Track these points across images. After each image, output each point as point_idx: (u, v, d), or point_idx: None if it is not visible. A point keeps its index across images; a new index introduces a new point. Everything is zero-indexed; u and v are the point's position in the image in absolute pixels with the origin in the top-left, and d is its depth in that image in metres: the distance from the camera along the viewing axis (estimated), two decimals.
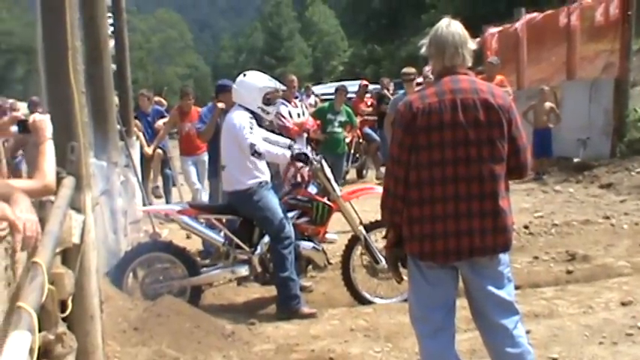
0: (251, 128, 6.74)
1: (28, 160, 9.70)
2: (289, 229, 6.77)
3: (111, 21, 9.40)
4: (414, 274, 3.90)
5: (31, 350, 2.25)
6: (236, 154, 6.81)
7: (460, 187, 3.69)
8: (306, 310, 6.72)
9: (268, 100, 6.96)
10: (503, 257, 3.82)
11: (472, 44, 3.88)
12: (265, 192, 6.82)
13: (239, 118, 6.81)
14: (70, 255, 3.87)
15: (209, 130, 8.75)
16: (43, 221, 3.15)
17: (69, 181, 3.88)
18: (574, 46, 15.48)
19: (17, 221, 2.75)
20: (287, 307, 6.72)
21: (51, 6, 4.15)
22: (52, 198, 3.58)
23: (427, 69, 13.23)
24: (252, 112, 6.87)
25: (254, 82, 6.98)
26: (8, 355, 2.11)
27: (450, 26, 3.85)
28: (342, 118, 12.45)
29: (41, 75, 4.27)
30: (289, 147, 7.08)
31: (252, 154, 6.68)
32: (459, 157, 3.68)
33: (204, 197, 10.36)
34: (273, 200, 6.82)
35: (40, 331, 2.57)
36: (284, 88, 7.94)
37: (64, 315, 3.57)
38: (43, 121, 3.75)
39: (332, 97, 13.14)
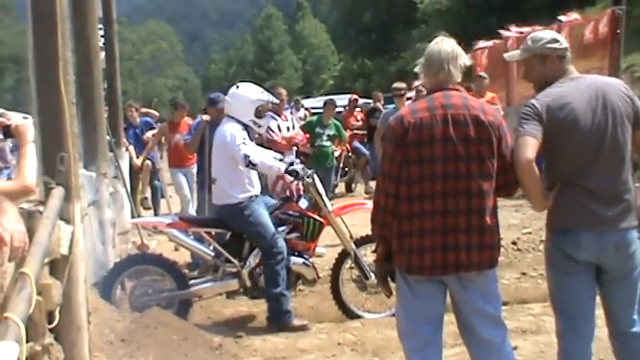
0: (244, 139, 6.70)
1: None
2: (281, 245, 6.71)
3: (102, 32, 9.41)
4: (403, 288, 3.90)
5: None
6: (227, 167, 6.77)
7: (448, 202, 3.70)
8: (297, 322, 6.69)
9: (260, 112, 6.93)
10: (491, 273, 3.83)
11: (466, 60, 3.91)
12: (256, 206, 6.77)
13: (231, 129, 6.74)
14: (58, 266, 3.85)
15: (194, 141, 8.77)
16: (31, 231, 3.13)
17: (58, 192, 3.87)
18: None
19: (4, 232, 2.73)
20: (279, 323, 6.68)
21: (42, 15, 4.14)
22: (41, 208, 3.57)
23: (416, 83, 13.22)
24: (243, 125, 6.83)
25: (247, 95, 6.91)
26: None
27: (440, 43, 3.89)
28: (331, 131, 12.40)
29: (32, 85, 4.24)
30: (281, 161, 7.04)
31: (247, 165, 6.62)
32: (448, 173, 3.69)
33: (192, 209, 10.31)
34: (264, 215, 6.77)
35: (27, 342, 2.56)
36: (277, 101, 7.91)
37: (52, 326, 3.55)
38: (25, 124, 3.74)
39: (321, 110, 13.13)
